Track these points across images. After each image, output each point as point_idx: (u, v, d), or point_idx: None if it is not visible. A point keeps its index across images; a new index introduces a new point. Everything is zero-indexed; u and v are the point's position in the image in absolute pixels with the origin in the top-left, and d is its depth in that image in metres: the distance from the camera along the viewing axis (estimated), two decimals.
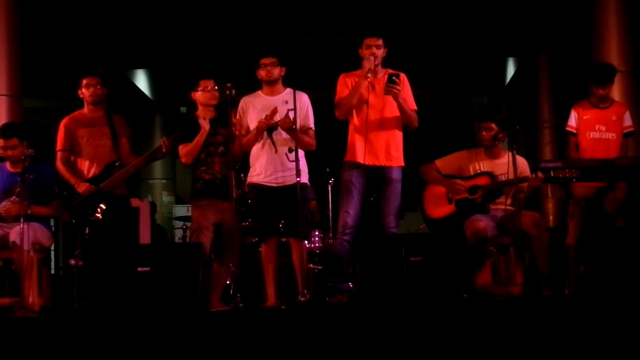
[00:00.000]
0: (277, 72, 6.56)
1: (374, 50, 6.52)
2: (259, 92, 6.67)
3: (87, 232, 6.77)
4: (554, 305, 5.70)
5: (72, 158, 6.90)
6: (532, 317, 5.21)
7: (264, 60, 6.59)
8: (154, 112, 14.72)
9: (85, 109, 7.01)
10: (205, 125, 6.50)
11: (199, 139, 6.53)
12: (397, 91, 6.41)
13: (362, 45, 6.57)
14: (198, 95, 6.69)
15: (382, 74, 6.57)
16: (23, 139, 6.84)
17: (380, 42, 6.57)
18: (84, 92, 6.95)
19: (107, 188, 6.75)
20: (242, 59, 10.26)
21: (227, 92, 6.32)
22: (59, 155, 6.91)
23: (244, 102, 6.64)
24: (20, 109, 9.06)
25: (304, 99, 6.59)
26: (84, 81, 6.95)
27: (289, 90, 6.51)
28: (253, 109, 6.57)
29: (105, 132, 6.90)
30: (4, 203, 6.78)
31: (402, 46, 7.39)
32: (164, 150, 6.81)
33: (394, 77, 6.40)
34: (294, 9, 11.32)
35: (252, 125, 6.53)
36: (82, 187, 6.75)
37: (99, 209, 6.74)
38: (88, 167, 6.86)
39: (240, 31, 11.40)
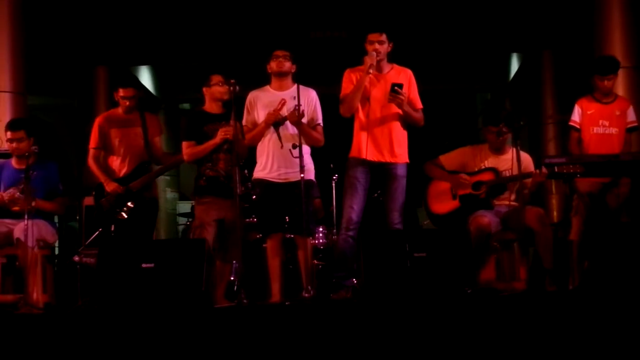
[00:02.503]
0: (288, 65, 6.56)
1: (377, 46, 6.50)
2: (267, 86, 6.67)
3: (112, 229, 6.81)
4: (557, 300, 5.70)
5: (103, 155, 6.98)
6: (536, 312, 5.20)
7: (277, 52, 6.59)
8: (157, 109, 14.71)
9: (120, 109, 7.10)
10: (218, 139, 6.48)
11: (208, 146, 6.53)
12: (400, 101, 6.41)
13: (367, 41, 6.57)
14: (212, 90, 6.68)
15: (388, 69, 6.59)
16: (30, 134, 6.88)
17: (383, 37, 6.55)
18: (120, 102, 7.07)
19: (136, 188, 6.84)
20: (246, 56, 10.29)
21: (231, 88, 6.32)
22: (90, 152, 7.06)
23: (252, 96, 6.64)
24: (24, 105, 9.07)
25: (312, 95, 6.60)
26: (120, 92, 7.07)
27: (297, 86, 6.50)
28: (260, 104, 6.57)
29: (138, 133, 7.02)
30: (10, 190, 6.78)
31: (406, 42, 7.37)
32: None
33: (396, 87, 6.39)
34: (297, 5, 11.31)
35: (260, 119, 6.53)
36: (110, 186, 6.83)
37: (125, 208, 6.80)
38: (120, 166, 6.96)
39: (243, 28, 11.39)
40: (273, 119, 6.41)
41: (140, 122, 7.04)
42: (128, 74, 7.36)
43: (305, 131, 6.37)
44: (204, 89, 6.71)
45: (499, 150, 6.87)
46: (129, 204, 6.86)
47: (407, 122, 6.60)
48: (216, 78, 6.67)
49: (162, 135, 7.16)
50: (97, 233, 7.42)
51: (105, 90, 11.44)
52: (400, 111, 6.52)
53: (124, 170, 6.95)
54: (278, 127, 6.44)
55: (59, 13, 10.78)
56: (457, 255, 5.89)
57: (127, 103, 7.04)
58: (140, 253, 5.94)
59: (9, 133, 6.91)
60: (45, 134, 7.17)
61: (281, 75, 6.58)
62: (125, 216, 6.85)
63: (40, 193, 6.76)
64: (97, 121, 7.10)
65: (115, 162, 7.00)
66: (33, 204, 6.59)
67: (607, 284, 6.35)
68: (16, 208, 6.68)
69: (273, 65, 6.58)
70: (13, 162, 6.94)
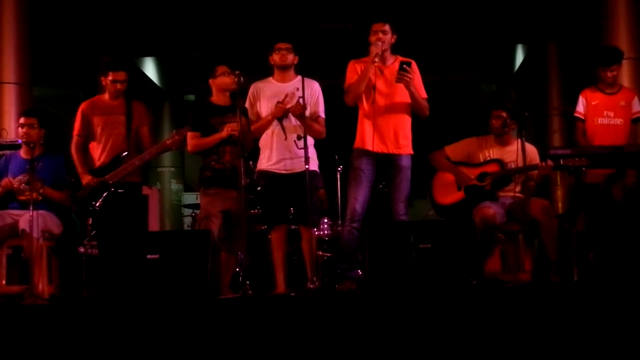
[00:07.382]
0: (290, 57, 6.57)
1: (381, 36, 6.50)
2: (270, 78, 6.67)
3: (89, 222, 6.78)
4: (562, 292, 5.69)
5: (86, 143, 6.92)
6: (540, 304, 5.20)
7: (280, 45, 6.59)
8: (162, 100, 14.73)
9: (106, 96, 6.98)
10: (224, 134, 6.46)
11: (213, 140, 6.50)
12: (408, 79, 6.40)
13: (370, 31, 6.56)
14: (218, 81, 6.65)
15: (392, 61, 6.57)
16: (42, 125, 6.85)
17: (387, 27, 6.54)
18: (109, 86, 6.91)
19: (114, 180, 6.72)
20: (251, 47, 10.28)
21: (236, 79, 6.31)
22: (74, 140, 6.94)
23: (255, 88, 6.64)
24: (29, 97, 9.08)
25: (315, 87, 6.60)
26: (111, 76, 6.89)
27: (300, 77, 6.51)
28: (264, 95, 6.58)
29: (121, 121, 6.88)
30: (18, 179, 6.77)
31: (411, 33, 7.37)
32: (173, 148, 6.81)
33: (405, 65, 6.39)
34: None
35: (263, 111, 6.53)
36: (84, 179, 6.76)
37: (100, 200, 6.71)
38: (99, 156, 6.87)
39: (249, 19, 11.39)
40: (282, 112, 6.41)
41: (125, 110, 6.93)
42: (120, 59, 7.14)
43: (307, 123, 6.36)
44: (210, 81, 6.68)
45: (500, 136, 6.86)
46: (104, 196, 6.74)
47: (412, 112, 6.60)
48: (221, 69, 6.65)
49: (150, 124, 7.05)
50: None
51: None
52: (404, 102, 6.53)
53: (102, 160, 6.84)
54: (282, 120, 6.45)
55: (64, 4, 10.78)
56: (462, 247, 5.88)
57: (118, 87, 6.86)
58: (145, 244, 5.95)
59: (22, 119, 6.89)
60: (53, 125, 7.12)
61: (284, 67, 6.59)
62: (97, 208, 6.75)
63: (48, 184, 6.75)
64: (81, 107, 6.97)
65: (96, 150, 6.89)
66: (41, 190, 6.59)
67: (612, 276, 6.34)
68: (23, 197, 6.68)
69: (276, 58, 6.59)
70: (22, 152, 6.94)
